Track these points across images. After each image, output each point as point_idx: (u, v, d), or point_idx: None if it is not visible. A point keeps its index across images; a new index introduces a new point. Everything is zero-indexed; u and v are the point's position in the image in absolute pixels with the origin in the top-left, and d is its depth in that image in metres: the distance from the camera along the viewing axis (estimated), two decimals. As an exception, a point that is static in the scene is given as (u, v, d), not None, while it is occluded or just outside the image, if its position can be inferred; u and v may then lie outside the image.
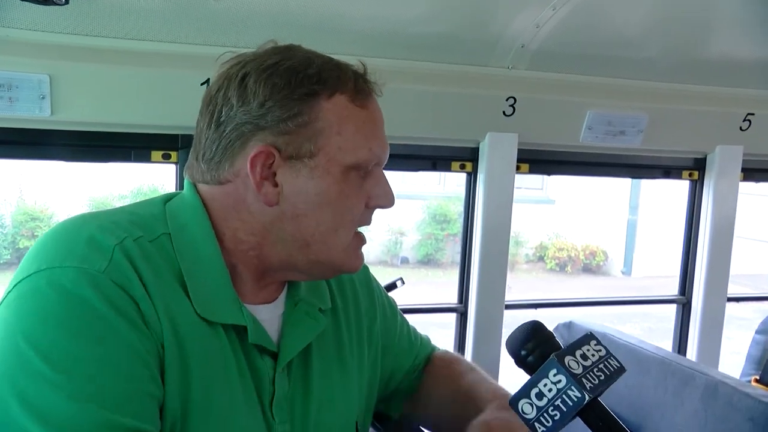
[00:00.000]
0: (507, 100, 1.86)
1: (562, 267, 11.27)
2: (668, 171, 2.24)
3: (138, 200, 0.97)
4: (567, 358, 0.77)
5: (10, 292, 0.81)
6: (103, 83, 1.60)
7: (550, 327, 2.12)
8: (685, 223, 2.30)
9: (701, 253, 2.24)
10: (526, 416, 0.78)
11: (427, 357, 1.17)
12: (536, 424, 0.78)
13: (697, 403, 1.42)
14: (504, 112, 1.84)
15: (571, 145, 2.05)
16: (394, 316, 1.14)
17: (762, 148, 2.23)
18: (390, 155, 0.93)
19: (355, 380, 1.02)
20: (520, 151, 1.92)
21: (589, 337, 0.82)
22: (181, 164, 1.76)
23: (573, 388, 0.75)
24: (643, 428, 1.54)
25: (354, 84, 0.89)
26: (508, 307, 2.06)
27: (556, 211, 11.73)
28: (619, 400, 1.62)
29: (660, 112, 2.06)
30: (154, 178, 8.57)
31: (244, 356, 0.89)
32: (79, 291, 0.77)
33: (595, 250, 11.53)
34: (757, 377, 2.15)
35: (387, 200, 0.92)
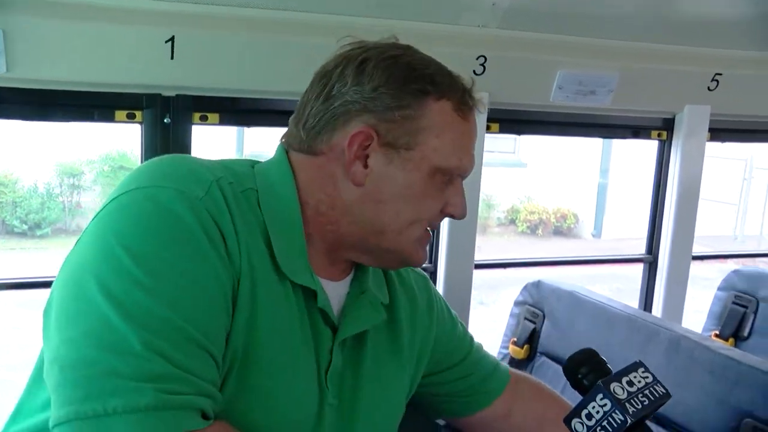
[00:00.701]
0: (477, 59, 1.85)
1: (533, 230, 11.37)
2: (637, 131, 2.25)
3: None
4: (613, 385, 0.86)
5: (106, 206, 0.84)
6: (62, 39, 1.54)
7: (519, 287, 2.14)
8: (653, 183, 2.32)
9: (668, 213, 2.26)
10: None
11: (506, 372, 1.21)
12: None
13: (660, 357, 1.46)
14: (474, 71, 1.83)
15: (541, 104, 2.04)
16: (450, 318, 1.17)
17: (729, 108, 2.24)
18: None
19: (406, 373, 1.06)
20: (490, 110, 1.91)
21: (637, 364, 0.90)
22: (146, 124, 1.72)
23: (617, 411, 0.84)
24: (608, 383, 1.57)
25: (461, 95, 0.93)
26: (478, 266, 2.08)
27: (528, 175, 11.80)
28: (585, 356, 1.64)
29: (630, 71, 2.05)
30: (123, 143, 8.43)
31: (309, 318, 0.92)
32: (175, 208, 0.80)
33: (566, 213, 11.64)
34: (717, 332, 2.21)
35: (460, 211, 0.95)
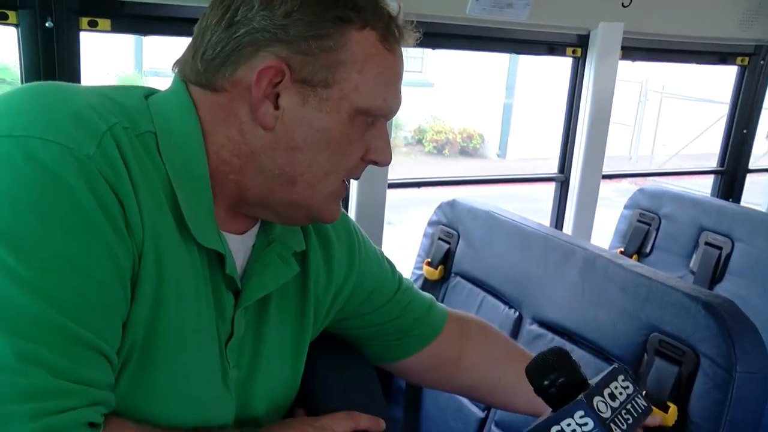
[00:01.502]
0: (392, -34, 1.74)
1: (439, 150, 11.48)
2: (552, 47, 2.21)
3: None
4: (596, 399, 0.72)
5: None
6: None
7: (426, 207, 2.10)
8: (566, 102, 2.31)
9: (581, 132, 2.27)
10: None
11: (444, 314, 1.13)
12: None
13: (576, 276, 1.46)
14: (390, -21, 1.72)
15: (457, 17, 1.96)
16: (375, 257, 1.06)
17: (641, 26, 2.24)
18: None
19: (309, 332, 0.94)
20: (404, 22, 1.82)
21: (617, 371, 0.77)
22: (23, 28, 1.51)
23: None
24: (524, 304, 1.57)
25: (387, 23, 0.80)
26: (392, 186, 2.02)
27: (435, 95, 11.80)
28: (503, 278, 1.64)
29: (548, -16, 2.00)
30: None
31: (212, 284, 0.79)
32: (62, 173, 0.64)
33: (472, 133, 11.79)
34: (622, 249, 2.27)
35: (385, 156, 0.84)
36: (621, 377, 0.77)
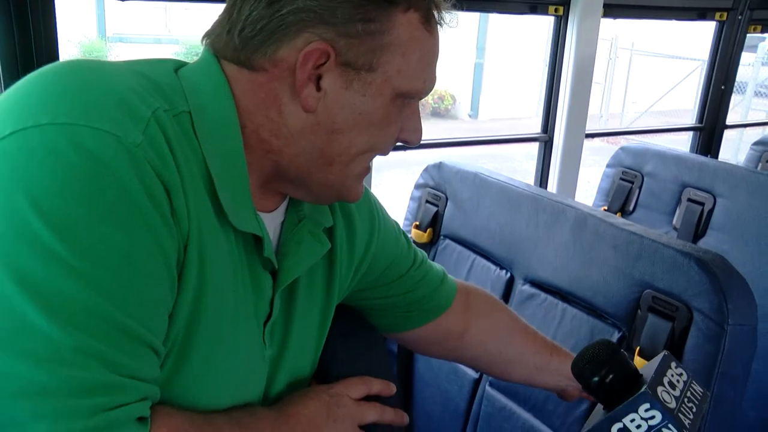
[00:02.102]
0: None
1: (412, 112, 11.43)
2: (534, 6, 2.20)
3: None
4: (659, 389, 0.68)
5: (2, 140, 0.62)
6: None
7: (410, 168, 2.09)
8: (548, 61, 2.30)
9: (563, 91, 2.27)
10: None
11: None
12: None
13: (567, 235, 1.47)
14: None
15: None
16: (393, 230, 1.06)
17: (623, -18, 2.23)
18: None
19: (333, 309, 0.94)
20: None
21: (668, 358, 0.73)
22: (-8, -7, 1.45)
23: (671, 426, 0.66)
24: (515, 264, 1.58)
25: (429, 4, 0.77)
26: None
27: (406, 55, 11.68)
28: (492, 240, 1.65)
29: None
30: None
31: (249, 267, 0.79)
32: (111, 162, 0.62)
33: (443, 94, 11.75)
34: (606, 207, 2.30)
35: (417, 136, 0.83)
36: (673, 364, 0.74)
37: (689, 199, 2.10)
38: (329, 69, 0.74)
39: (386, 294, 1.06)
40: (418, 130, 0.83)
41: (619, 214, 2.24)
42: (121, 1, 1.58)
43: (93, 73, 0.68)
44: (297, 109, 0.75)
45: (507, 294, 1.59)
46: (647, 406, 0.67)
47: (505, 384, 1.50)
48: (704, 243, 2.04)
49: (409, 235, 1.87)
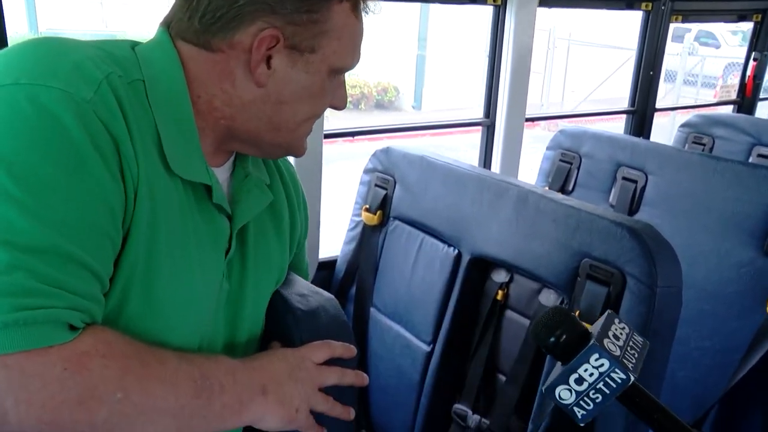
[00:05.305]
0: None
1: (355, 104, 11.47)
2: (475, -4, 2.28)
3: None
4: (605, 341, 0.77)
5: None
6: None
7: (355, 161, 2.15)
8: (488, 50, 2.39)
9: (504, 78, 2.36)
10: (563, 402, 0.78)
11: None
12: (575, 409, 0.77)
13: (510, 212, 1.55)
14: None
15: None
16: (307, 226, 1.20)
17: (557, -27, 2.33)
18: None
19: (286, 250, 1.09)
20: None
21: (611, 316, 0.83)
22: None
23: (617, 370, 0.76)
24: (462, 241, 1.66)
25: None
26: (327, 136, 2.06)
27: (349, 48, 11.69)
28: (440, 219, 1.72)
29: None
30: None
31: (202, 213, 0.91)
32: (60, 114, 0.73)
33: (386, 86, 11.82)
34: (547, 187, 2.41)
35: (344, 103, 0.98)
36: (617, 320, 0.83)
37: (624, 178, 2.22)
38: (278, 51, 0.88)
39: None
40: (345, 98, 0.99)
41: (559, 193, 2.35)
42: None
43: (55, 44, 0.81)
44: (249, 84, 0.89)
45: (455, 270, 1.67)
46: (596, 356, 0.76)
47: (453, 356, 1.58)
48: (638, 218, 2.17)
49: (360, 218, 1.94)
